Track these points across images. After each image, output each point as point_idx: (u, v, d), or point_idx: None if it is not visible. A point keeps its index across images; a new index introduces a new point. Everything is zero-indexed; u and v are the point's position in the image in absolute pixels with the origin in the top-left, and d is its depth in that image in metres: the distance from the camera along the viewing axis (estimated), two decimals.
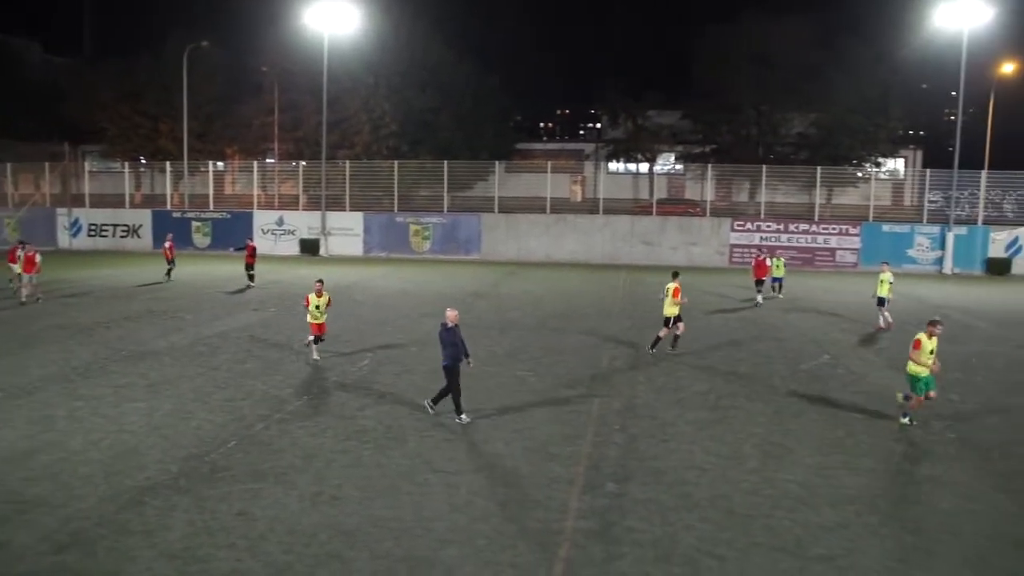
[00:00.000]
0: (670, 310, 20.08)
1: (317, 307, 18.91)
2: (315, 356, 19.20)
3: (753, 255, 35.71)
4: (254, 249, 33.38)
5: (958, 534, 10.19)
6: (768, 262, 30.68)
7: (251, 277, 32.64)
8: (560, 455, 12.80)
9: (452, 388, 14.33)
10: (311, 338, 19.23)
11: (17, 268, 27.89)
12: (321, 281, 19.46)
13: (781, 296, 30.79)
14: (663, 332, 20.40)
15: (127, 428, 13.82)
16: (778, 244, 43.02)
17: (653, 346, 20.52)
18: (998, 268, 42.79)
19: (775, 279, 30.99)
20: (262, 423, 14.25)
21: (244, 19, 64.59)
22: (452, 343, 14.26)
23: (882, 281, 24.49)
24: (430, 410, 14.72)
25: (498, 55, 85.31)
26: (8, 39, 73.23)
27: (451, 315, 14.50)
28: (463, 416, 14.38)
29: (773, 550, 9.65)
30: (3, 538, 9.63)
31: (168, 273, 34.36)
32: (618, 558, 9.38)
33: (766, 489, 11.53)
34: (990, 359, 20.85)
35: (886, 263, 25.80)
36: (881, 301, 24.48)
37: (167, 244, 34.91)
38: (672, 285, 20.09)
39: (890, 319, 24.51)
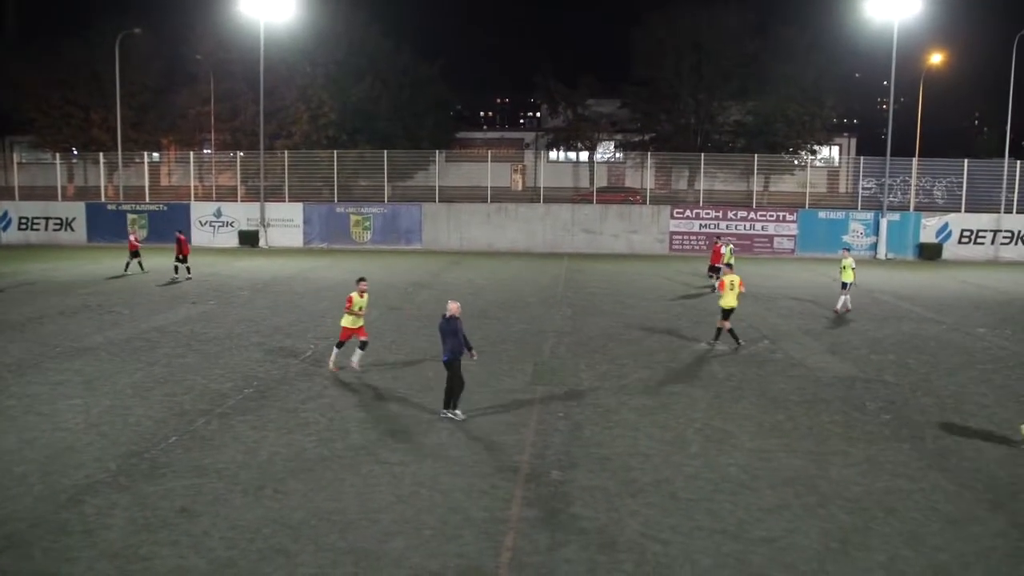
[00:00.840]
0: (734, 301, 20.09)
1: (360, 308, 17.20)
2: (355, 365, 17.41)
3: (713, 242, 35.99)
4: (184, 241, 32.66)
5: (894, 512, 10.45)
6: (723, 249, 31.21)
7: (185, 269, 32.07)
8: (504, 444, 12.84)
9: (453, 383, 13.94)
10: (338, 347, 17.57)
11: None
12: (364, 279, 17.48)
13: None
14: (727, 324, 20.34)
15: (63, 426, 13.51)
16: (718, 231, 43.56)
17: (736, 340, 20.37)
18: (929, 253, 43.94)
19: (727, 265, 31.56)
20: (203, 418, 14.05)
21: (178, 6, 63.16)
22: (453, 335, 13.75)
23: (844, 267, 25.33)
24: (457, 416, 13.99)
25: (437, 44, 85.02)
26: None
27: (453, 306, 13.84)
28: (457, 412, 14.02)
29: (716, 533, 9.80)
30: None
31: (139, 264, 33.94)
32: (564, 545, 9.44)
33: (708, 473, 11.70)
34: (923, 341, 21.38)
35: (847, 249, 26.80)
36: (844, 285, 25.32)
37: (131, 236, 34.64)
38: (736, 277, 20.24)
39: (847, 304, 25.35)
